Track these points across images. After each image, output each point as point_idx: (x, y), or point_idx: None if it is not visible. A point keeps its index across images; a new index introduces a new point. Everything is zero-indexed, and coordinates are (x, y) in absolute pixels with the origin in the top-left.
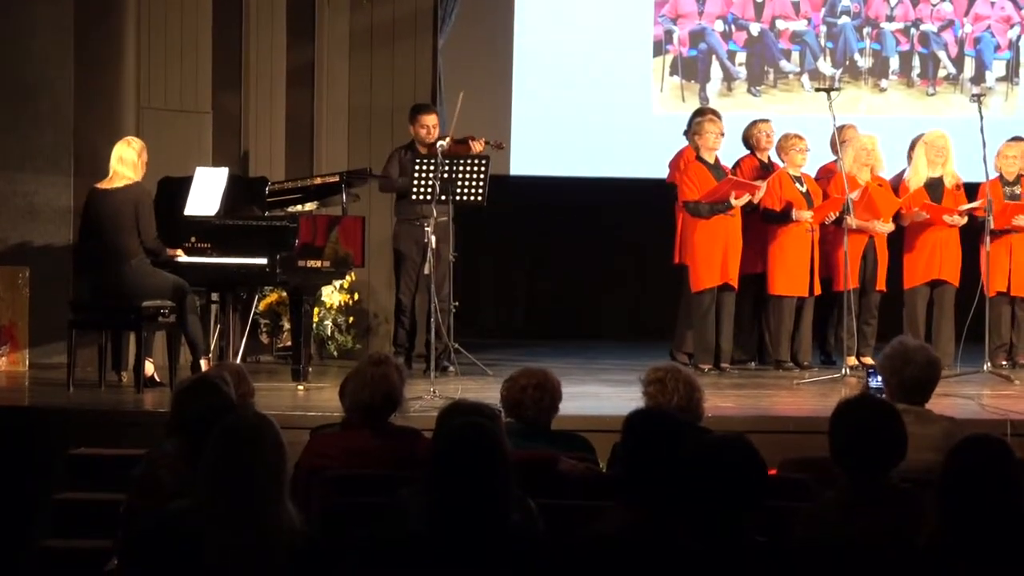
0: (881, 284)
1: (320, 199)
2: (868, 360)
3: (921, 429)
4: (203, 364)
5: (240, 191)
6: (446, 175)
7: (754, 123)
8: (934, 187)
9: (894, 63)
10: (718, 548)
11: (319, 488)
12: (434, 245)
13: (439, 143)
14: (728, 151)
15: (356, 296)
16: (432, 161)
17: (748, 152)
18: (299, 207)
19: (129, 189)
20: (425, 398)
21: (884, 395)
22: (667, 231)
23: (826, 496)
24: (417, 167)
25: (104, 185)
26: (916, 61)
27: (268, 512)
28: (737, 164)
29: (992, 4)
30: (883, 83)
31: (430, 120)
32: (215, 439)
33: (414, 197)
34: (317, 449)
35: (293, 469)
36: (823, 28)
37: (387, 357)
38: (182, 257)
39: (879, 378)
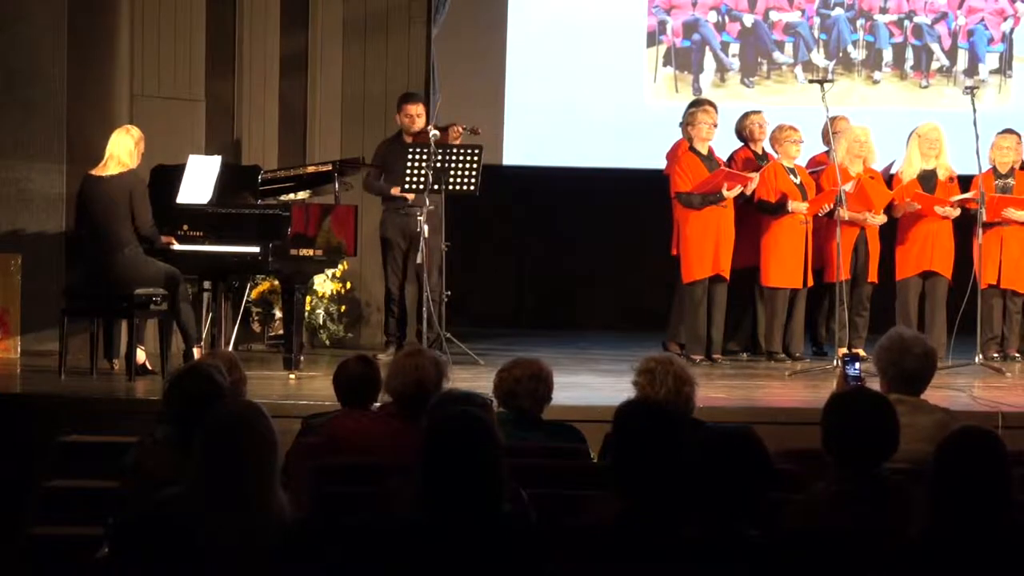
0: (873, 276)
1: (313, 188)
2: (859, 352)
3: (915, 419)
4: (195, 352)
5: (233, 179)
6: (439, 164)
7: (746, 115)
8: (927, 179)
9: (887, 55)
10: (709, 539)
11: (311, 476)
12: (426, 234)
13: (432, 132)
14: (721, 143)
15: (348, 285)
16: (425, 150)
17: (741, 144)
18: (292, 196)
19: (124, 177)
20: None
21: (862, 383)
22: (659, 221)
23: (817, 487)
24: (410, 157)
25: (98, 172)
26: (909, 53)
27: (259, 500)
28: (731, 157)
29: None
30: (876, 75)
31: (415, 109)
32: (204, 428)
33: (407, 187)
34: (339, 430)
35: (286, 455)
36: (817, 20)
37: (421, 348)
38: (175, 245)
39: (856, 366)
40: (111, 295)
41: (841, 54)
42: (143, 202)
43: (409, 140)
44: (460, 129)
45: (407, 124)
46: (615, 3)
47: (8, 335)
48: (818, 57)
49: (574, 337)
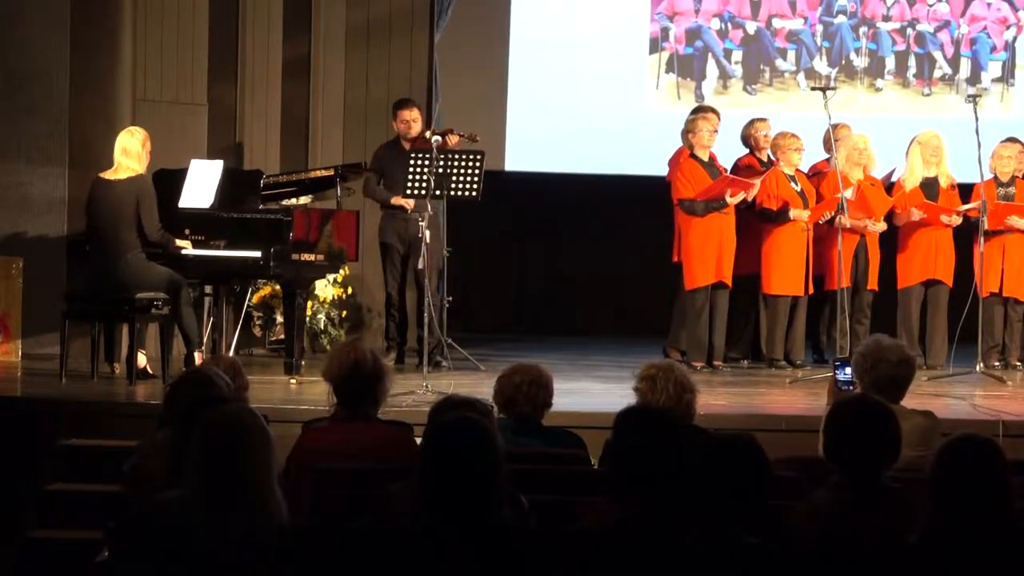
0: (873, 283)
1: (315, 193)
2: None
3: None
4: (197, 357)
5: (235, 184)
6: (441, 170)
7: (752, 122)
8: (929, 187)
9: (890, 63)
10: (710, 546)
11: (310, 481)
12: (428, 240)
13: (434, 138)
14: (724, 149)
15: (349, 290)
16: (427, 156)
17: (747, 151)
18: (294, 200)
19: (132, 181)
20: (417, 392)
21: (853, 388)
22: (661, 228)
23: (818, 494)
24: (412, 162)
25: (108, 176)
26: (912, 61)
27: (257, 503)
28: (736, 164)
29: (988, 5)
30: (879, 83)
31: (410, 115)
32: (199, 433)
33: (408, 192)
34: (307, 443)
35: (284, 462)
36: (819, 27)
37: (354, 340)
38: (190, 250)
39: (847, 371)
40: (112, 299)
41: (844, 62)
42: (150, 208)
43: (407, 146)
44: (458, 136)
45: (403, 130)
46: (618, 10)
47: (9, 339)
48: (820, 64)
49: (575, 343)
